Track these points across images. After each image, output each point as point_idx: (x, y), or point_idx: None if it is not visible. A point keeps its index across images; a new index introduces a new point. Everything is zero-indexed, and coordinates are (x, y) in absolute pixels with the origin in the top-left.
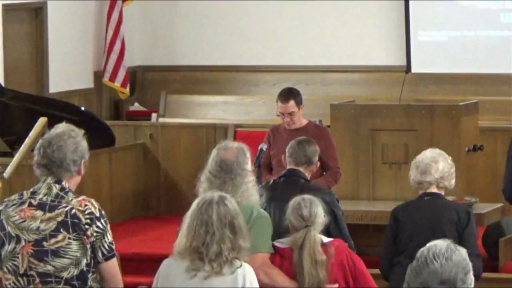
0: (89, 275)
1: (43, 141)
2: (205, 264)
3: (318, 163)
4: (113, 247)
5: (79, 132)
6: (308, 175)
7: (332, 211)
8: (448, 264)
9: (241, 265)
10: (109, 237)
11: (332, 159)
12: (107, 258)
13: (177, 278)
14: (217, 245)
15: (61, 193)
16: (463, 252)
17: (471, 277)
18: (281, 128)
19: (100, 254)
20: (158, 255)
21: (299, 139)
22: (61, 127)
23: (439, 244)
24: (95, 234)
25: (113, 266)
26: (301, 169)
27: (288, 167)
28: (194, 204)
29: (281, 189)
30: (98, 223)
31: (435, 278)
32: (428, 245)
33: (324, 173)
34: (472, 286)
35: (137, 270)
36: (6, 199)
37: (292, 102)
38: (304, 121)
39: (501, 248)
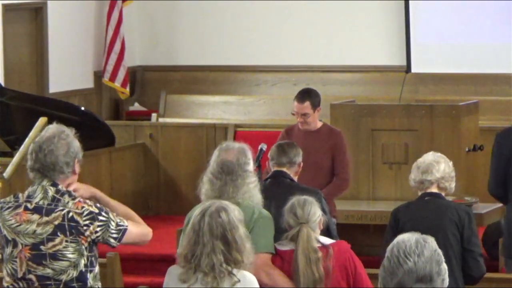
0: (88, 275)
1: (34, 145)
2: (198, 277)
3: (301, 164)
4: (122, 224)
5: (70, 133)
6: (293, 176)
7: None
8: (421, 260)
9: (239, 280)
10: (113, 223)
11: (341, 165)
12: (119, 239)
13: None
14: (208, 258)
15: (57, 196)
16: (431, 242)
17: (444, 267)
18: (296, 128)
19: (112, 240)
20: (158, 255)
21: (279, 142)
22: (51, 129)
23: (407, 240)
24: (98, 229)
25: (130, 237)
26: (284, 169)
27: (273, 169)
28: (195, 212)
29: (268, 189)
30: (100, 217)
31: (411, 277)
32: (396, 242)
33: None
34: (446, 275)
35: (137, 270)
36: (1, 200)
37: (307, 103)
38: (319, 124)
39: (501, 248)
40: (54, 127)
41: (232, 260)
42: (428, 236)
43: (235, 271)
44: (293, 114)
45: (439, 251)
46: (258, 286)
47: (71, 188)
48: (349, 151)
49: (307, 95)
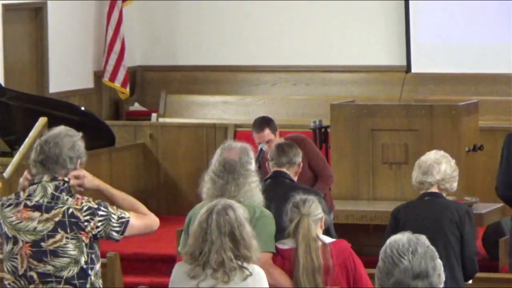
0: (90, 272)
1: (40, 140)
2: (207, 273)
3: (301, 164)
4: (123, 216)
5: (77, 134)
6: (293, 177)
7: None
8: (416, 258)
9: (251, 273)
10: (114, 216)
11: (320, 166)
12: (122, 232)
13: (180, 283)
14: (217, 255)
15: (56, 193)
16: (423, 239)
17: (439, 262)
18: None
19: (114, 233)
20: (158, 255)
21: (278, 143)
22: (59, 128)
23: (399, 240)
24: (99, 224)
25: (133, 228)
26: (284, 169)
27: (272, 170)
28: (201, 211)
29: (268, 190)
30: (100, 212)
31: (407, 275)
32: (388, 242)
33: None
34: (442, 270)
35: (137, 270)
36: (3, 198)
37: (267, 130)
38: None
39: (501, 248)
40: (62, 127)
41: (241, 256)
42: (419, 234)
43: (245, 264)
44: (257, 145)
45: (432, 247)
46: (266, 280)
47: (79, 174)
48: (349, 150)
49: (264, 122)
